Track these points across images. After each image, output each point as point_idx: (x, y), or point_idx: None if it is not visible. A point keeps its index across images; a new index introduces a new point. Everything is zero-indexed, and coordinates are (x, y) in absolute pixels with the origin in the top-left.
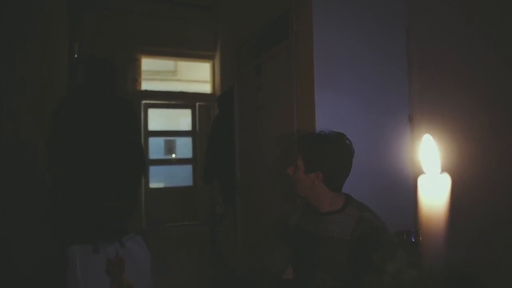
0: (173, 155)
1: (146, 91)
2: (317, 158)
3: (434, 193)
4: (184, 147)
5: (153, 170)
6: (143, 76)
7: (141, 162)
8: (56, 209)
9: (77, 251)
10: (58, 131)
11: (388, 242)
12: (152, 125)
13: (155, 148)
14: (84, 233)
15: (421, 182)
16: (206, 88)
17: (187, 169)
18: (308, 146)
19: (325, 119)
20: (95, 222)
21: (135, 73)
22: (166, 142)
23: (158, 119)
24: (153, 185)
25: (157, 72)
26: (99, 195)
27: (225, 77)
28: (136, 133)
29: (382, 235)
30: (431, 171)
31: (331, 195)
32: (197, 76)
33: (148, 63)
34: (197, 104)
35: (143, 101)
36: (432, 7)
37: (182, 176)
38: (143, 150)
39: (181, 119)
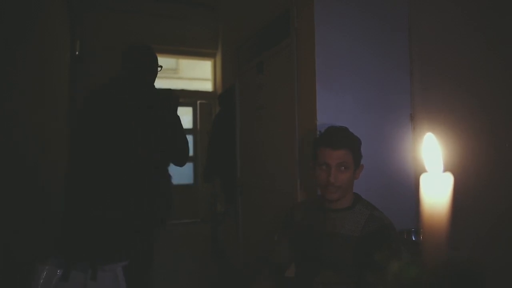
0: None
1: None
2: (360, 149)
3: (436, 192)
4: None
5: None
6: None
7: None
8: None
9: (43, 273)
10: (82, 127)
11: (397, 240)
12: None
13: None
14: (65, 249)
15: (424, 181)
16: (208, 86)
17: (188, 167)
18: (354, 141)
19: (327, 117)
20: (83, 236)
21: None
22: None
23: None
24: None
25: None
26: (95, 201)
27: (227, 75)
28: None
29: (392, 233)
30: (434, 170)
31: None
32: (199, 74)
33: None
34: (198, 102)
35: None
36: (433, 6)
37: (183, 174)
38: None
39: (182, 117)
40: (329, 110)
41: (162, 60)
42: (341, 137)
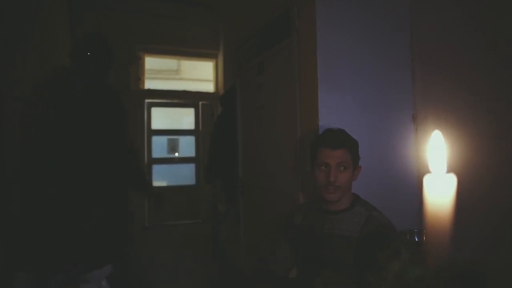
0: (176, 154)
1: (149, 90)
2: (358, 151)
3: (440, 193)
4: (187, 146)
5: (156, 168)
6: (146, 75)
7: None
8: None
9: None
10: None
11: (396, 239)
12: (155, 124)
13: (158, 146)
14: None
15: (427, 181)
16: (209, 87)
17: (190, 168)
18: (353, 142)
19: (328, 118)
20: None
21: (138, 72)
22: (169, 140)
23: (161, 118)
24: (156, 183)
25: (160, 71)
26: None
27: (228, 75)
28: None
29: (391, 232)
30: (437, 170)
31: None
32: (200, 75)
33: (151, 62)
34: (200, 103)
35: (146, 100)
36: (434, 5)
37: (185, 175)
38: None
39: (184, 118)
40: (331, 111)
41: (163, 62)
42: (340, 138)
